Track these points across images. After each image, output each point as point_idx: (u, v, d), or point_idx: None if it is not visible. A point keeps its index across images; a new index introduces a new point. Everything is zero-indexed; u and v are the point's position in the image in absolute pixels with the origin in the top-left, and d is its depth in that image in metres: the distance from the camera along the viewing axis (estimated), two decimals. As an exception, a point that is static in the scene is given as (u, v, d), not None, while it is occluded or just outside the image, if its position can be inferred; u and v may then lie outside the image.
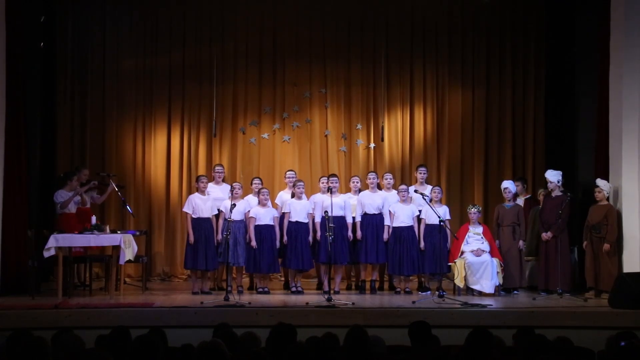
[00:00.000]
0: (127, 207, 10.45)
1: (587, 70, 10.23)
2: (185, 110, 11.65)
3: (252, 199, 9.88)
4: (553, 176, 9.69)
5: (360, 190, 10.02)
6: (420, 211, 9.83)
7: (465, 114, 11.81)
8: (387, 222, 9.77)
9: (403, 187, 9.94)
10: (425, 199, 9.42)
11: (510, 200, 9.88)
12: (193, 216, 9.54)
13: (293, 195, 9.83)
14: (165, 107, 11.62)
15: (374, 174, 10.15)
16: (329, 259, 9.20)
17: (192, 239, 9.48)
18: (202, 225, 9.54)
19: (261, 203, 9.64)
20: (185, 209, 9.72)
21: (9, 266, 9.24)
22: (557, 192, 9.66)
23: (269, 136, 11.66)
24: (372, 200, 9.83)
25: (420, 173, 10.27)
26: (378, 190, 10.01)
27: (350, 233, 9.71)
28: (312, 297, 8.95)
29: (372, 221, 9.78)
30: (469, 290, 9.48)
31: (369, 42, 11.80)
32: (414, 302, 8.51)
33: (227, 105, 11.66)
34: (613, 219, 9.13)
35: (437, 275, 9.73)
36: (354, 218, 9.78)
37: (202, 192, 9.68)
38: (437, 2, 11.88)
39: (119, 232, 9.52)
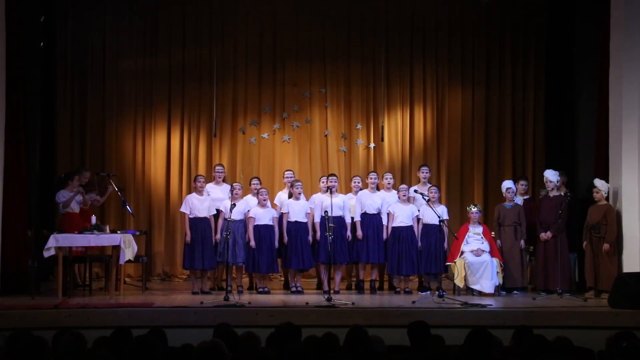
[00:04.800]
0: (127, 207, 10.46)
1: (587, 70, 10.22)
2: (185, 110, 11.65)
3: (251, 199, 9.88)
4: (553, 176, 9.70)
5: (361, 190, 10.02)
6: (418, 210, 9.84)
7: (465, 114, 11.81)
8: (385, 222, 9.78)
9: (403, 187, 9.95)
10: (424, 199, 9.42)
11: (512, 200, 9.89)
12: (190, 216, 9.55)
13: (290, 196, 9.82)
14: (165, 107, 11.61)
15: (375, 174, 10.14)
16: (328, 259, 9.21)
17: (188, 238, 9.49)
18: (198, 225, 9.54)
19: (260, 203, 9.64)
20: (182, 209, 9.73)
21: (9, 266, 9.22)
22: (555, 192, 9.68)
23: (269, 136, 11.66)
24: (372, 200, 9.83)
25: (423, 172, 10.25)
26: (377, 191, 10.01)
27: (349, 233, 9.71)
28: (312, 297, 8.95)
29: (373, 221, 9.78)
30: (469, 290, 9.48)
31: (369, 42, 11.80)
32: (413, 302, 8.52)
33: (227, 105, 11.66)
34: (612, 219, 9.13)
35: (432, 275, 9.74)
36: (352, 218, 9.78)
37: (200, 192, 9.68)
38: (437, 2, 11.87)
39: (119, 232, 9.52)
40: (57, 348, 4.58)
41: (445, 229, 9.51)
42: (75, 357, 4.32)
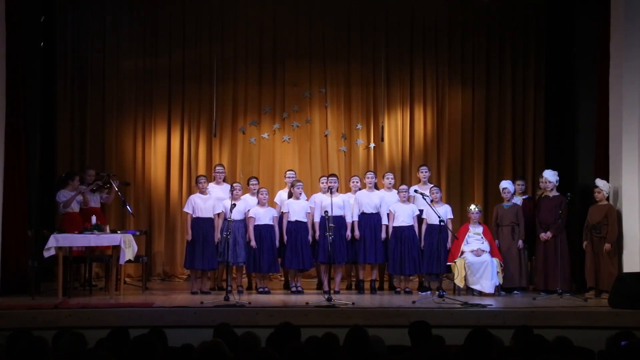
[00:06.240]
0: (127, 206, 10.45)
1: (587, 70, 10.22)
2: (185, 110, 11.64)
3: (249, 198, 9.87)
4: (552, 176, 9.71)
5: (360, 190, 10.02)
6: (421, 211, 9.84)
7: (465, 114, 11.81)
8: (384, 221, 9.78)
9: (403, 187, 9.96)
10: (425, 199, 9.42)
11: (509, 200, 9.89)
12: (193, 216, 9.56)
13: (290, 195, 9.82)
14: (165, 107, 11.61)
15: (372, 173, 10.15)
16: (328, 258, 9.21)
17: (189, 237, 9.50)
18: (200, 225, 9.56)
19: (260, 203, 9.64)
20: (185, 209, 9.77)
21: (9, 266, 9.22)
22: (554, 192, 9.68)
23: (269, 136, 11.66)
24: (370, 199, 9.83)
25: (422, 172, 10.28)
26: (375, 190, 10.01)
27: (348, 232, 9.71)
28: (312, 297, 8.95)
29: (370, 221, 9.78)
30: (469, 290, 9.48)
31: (369, 42, 11.79)
32: (414, 302, 8.52)
33: (227, 105, 11.66)
34: (613, 219, 9.14)
35: (434, 275, 9.74)
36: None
37: (203, 192, 9.69)
38: (437, 2, 11.87)
39: (119, 232, 9.51)
40: (57, 348, 4.58)
41: (448, 229, 9.52)
42: (75, 357, 4.32)
